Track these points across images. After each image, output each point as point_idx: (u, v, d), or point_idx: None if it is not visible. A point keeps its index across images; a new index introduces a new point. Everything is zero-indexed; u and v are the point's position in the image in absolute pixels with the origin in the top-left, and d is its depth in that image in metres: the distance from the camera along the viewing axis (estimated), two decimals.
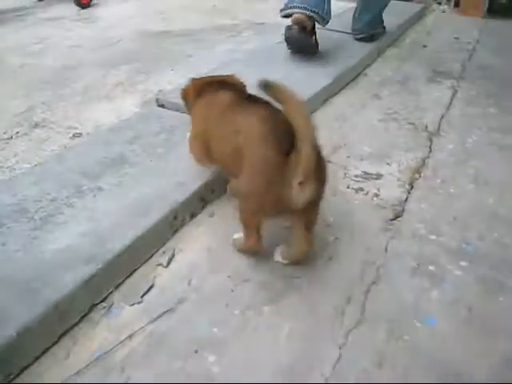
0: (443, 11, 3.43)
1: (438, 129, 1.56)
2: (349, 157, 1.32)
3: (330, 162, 1.29)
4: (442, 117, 1.65)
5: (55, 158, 1.22)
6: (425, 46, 2.46)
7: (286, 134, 0.78)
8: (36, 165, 1.27)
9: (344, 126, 1.51)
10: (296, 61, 1.87)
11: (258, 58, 1.89)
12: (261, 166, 0.82)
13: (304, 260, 0.94)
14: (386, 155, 1.35)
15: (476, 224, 1.10)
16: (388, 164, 1.31)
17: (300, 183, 0.77)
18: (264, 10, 2.90)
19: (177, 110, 1.43)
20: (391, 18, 2.69)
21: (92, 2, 3.10)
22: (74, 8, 2.98)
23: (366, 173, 1.26)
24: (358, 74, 1.94)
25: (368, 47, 2.10)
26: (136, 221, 0.97)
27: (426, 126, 1.56)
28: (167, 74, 1.91)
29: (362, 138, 1.44)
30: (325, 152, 1.25)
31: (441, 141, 1.48)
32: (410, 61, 2.21)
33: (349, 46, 2.08)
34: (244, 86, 1.07)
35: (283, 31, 1.81)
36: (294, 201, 0.79)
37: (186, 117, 1.30)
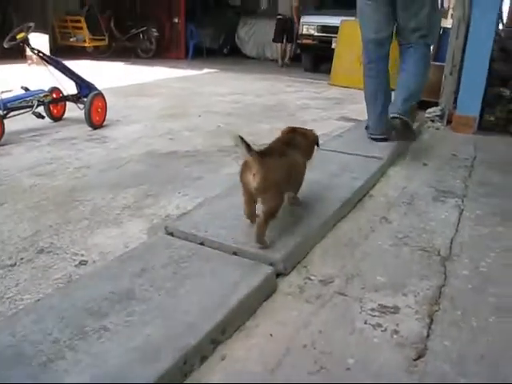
0: (437, 128, 3.60)
1: (450, 253, 1.54)
2: (363, 288, 1.28)
3: (344, 294, 1.25)
4: (453, 239, 1.64)
5: (59, 292, 1.18)
6: (425, 164, 2.53)
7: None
8: (38, 299, 1.22)
9: (355, 252, 1.48)
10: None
11: None
12: None
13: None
14: (402, 284, 1.31)
15: (506, 361, 1.03)
16: (404, 295, 1.27)
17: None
18: (267, 130, 3.03)
19: (185, 239, 1.42)
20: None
21: (104, 123, 3.25)
22: (87, 128, 3.12)
23: (382, 306, 1.21)
24: (364, 196, 1.96)
25: (371, 167, 2.16)
26: (144, 369, 0.90)
27: (439, 251, 1.54)
28: (175, 197, 1.93)
29: (375, 265, 1.41)
30: (338, 283, 1.20)
31: (455, 266, 1.45)
32: (412, 180, 2.25)
33: (352, 166, 2.14)
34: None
35: None
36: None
37: (195, 246, 1.28)
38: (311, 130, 1.73)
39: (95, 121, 3.20)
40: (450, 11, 5.11)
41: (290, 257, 1.35)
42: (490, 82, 3.74)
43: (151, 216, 1.79)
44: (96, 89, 3.32)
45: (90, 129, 3.13)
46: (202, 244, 1.41)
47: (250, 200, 1.43)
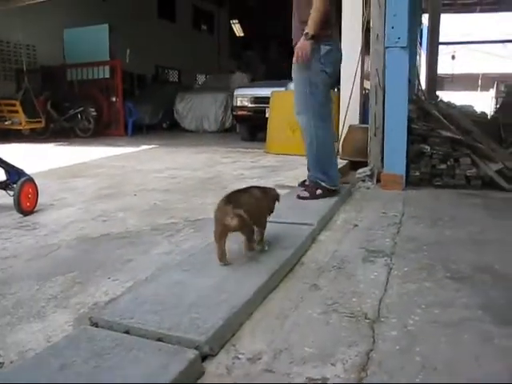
0: (368, 188, 3.77)
1: (379, 315, 1.56)
2: (291, 362, 1.27)
3: (271, 371, 1.23)
4: (381, 300, 1.68)
5: None
6: (356, 226, 2.62)
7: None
8: None
9: (285, 324, 1.48)
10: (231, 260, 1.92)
11: (194, 261, 1.91)
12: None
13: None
14: (330, 354, 1.31)
15: None
16: (333, 364, 1.26)
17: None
18: (203, 205, 3.06)
19: (110, 328, 1.37)
20: (321, 201, 2.91)
21: (35, 208, 3.16)
22: (17, 215, 3.02)
23: (310, 379, 1.20)
24: (295, 264, 1.99)
25: (302, 235, 2.21)
26: None
27: (367, 314, 1.56)
28: (104, 283, 1.88)
29: (304, 336, 1.41)
30: (266, 359, 1.19)
31: (383, 328, 1.47)
32: (343, 243, 2.32)
33: (283, 236, 2.18)
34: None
35: None
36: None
37: (120, 336, 1.24)
38: (273, 188, 2.17)
39: (25, 207, 3.11)
40: None
41: (217, 337, 1.33)
42: (412, 140, 4.01)
43: (78, 305, 1.72)
44: (26, 174, 3.25)
45: (20, 215, 3.03)
46: (127, 332, 1.36)
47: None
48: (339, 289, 1.76)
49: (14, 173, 3.26)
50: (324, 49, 2.95)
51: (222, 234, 1.80)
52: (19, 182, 3.12)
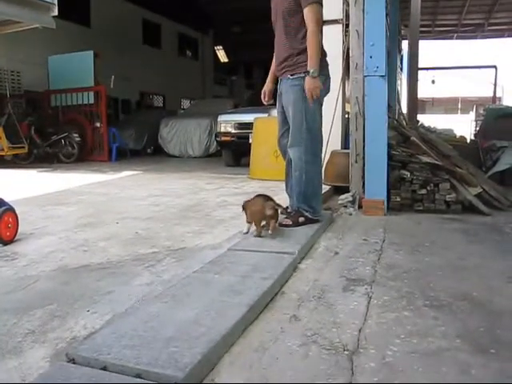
0: (350, 214, 3.80)
1: (358, 346, 1.57)
2: None
3: None
4: (360, 330, 1.69)
5: None
6: (337, 253, 2.64)
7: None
8: None
9: (263, 358, 1.48)
10: (212, 282, 1.92)
11: (174, 292, 1.90)
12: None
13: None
14: None
15: None
16: None
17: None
18: (185, 233, 3.05)
19: (87, 365, 1.35)
20: (303, 228, 2.93)
21: (16, 238, 3.13)
22: None
23: None
24: (276, 294, 1.99)
25: (283, 264, 2.22)
26: None
27: (346, 345, 1.57)
28: (83, 316, 1.85)
29: (283, 371, 1.40)
30: None
31: (361, 360, 1.48)
32: (323, 271, 2.33)
33: (263, 265, 2.19)
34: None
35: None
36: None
37: (97, 373, 1.23)
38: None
39: (5, 237, 3.08)
40: None
41: (195, 372, 1.32)
42: (392, 166, 4.08)
43: (56, 340, 1.69)
44: (6, 204, 3.22)
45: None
46: (104, 369, 1.35)
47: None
48: (319, 319, 1.76)
49: None
50: (320, 80, 2.96)
51: (261, 220, 2.78)
52: None
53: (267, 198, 2.84)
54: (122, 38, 14.25)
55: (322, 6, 2.96)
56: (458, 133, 11.02)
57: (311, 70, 2.86)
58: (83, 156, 9.53)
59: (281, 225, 2.99)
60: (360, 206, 3.95)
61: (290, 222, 3.01)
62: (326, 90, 3.10)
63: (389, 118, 4.17)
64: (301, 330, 1.67)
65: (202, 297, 1.82)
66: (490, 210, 3.91)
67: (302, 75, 2.94)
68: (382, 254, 2.67)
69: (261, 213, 2.75)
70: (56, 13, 3.56)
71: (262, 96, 3.40)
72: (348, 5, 4.48)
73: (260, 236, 2.74)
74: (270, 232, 2.74)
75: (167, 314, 1.68)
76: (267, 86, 3.38)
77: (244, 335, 1.63)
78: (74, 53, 9.88)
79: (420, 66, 11.28)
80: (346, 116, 5.61)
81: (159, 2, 15.88)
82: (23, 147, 8.71)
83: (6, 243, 3.05)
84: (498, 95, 20.19)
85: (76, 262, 2.53)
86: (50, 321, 1.85)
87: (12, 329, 1.80)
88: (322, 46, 3.03)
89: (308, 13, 2.88)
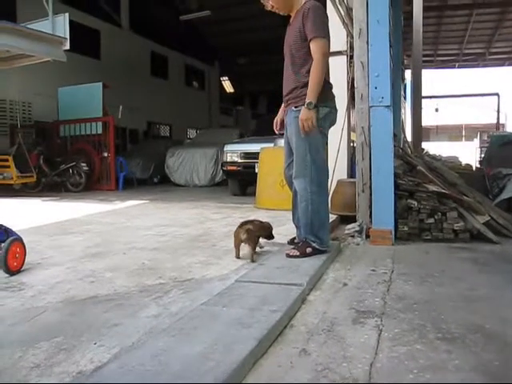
0: (357, 244, 3.78)
1: (369, 380, 1.54)
2: None
3: None
4: (372, 365, 1.65)
5: None
6: (345, 284, 2.61)
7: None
8: None
9: None
10: (220, 315, 1.90)
11: (182, 325, 1.88)
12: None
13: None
14: None
15: None
16: None
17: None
18: (191, 264, 3.04)
19: None
20: (311, 259, 2.91)
21: (23, 267, 3.13)
22: (3, 275, 2.97)
23: None
24: (285, 327, 1.96)
25: (291, 296, 2.19)
26: None
27: (357, 380, 1.53)
28: (90, 349, 1.83)
29: None
30: None
31: None
32: (332, 303, 2.30)
33: (272, 298, 2.16)
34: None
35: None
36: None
37: None
38: (267, 223, 3.36)
39: (12, 267, 3.08)
40: None
41: None
42: (399, 195, 4.07)
43: (62, 375, 1.67)
44: (14, 234, 3.24)
45: (6, 275, 2.99)
46: None
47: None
48: (329, 353, 1.73)
49: (1, 232, 3.24)
50: (322, 111, 3.00)
51: (238, 244, 3.09)
52: (7, 242, 3.10)
53: (246, 222, 3.11)
54: (131, 70, 14.58)
55: (328, 40, 3.02)
56: (463, 160, 11.02)
57: (307, 102, 2.89)
58: (90, 185, 9.61)
59: (288, 256, 2.97)
60: (367, 236, 3.92)
61: (298, 253, 2.99)
62: (329, 123, 3.15)
63: (394, 146, 4.19)
64: (311, 365, 1.64)
65: (210, 330, 1.79)
66: (498, 238, 3.88)
67: None
68: (391, 285, 2.63)
69: (237, 238, 3.05)
70: (68, 47, 3.63)
71: (274, 125, 3.44)
72: (352, 37, 4.56)
73: (253, 261, 2.96)
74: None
75: (175, 348, 1.66)
76: (279, 116, 3.44)
77: (253, 370, 1.60)
78: (83, 84, 10.12)
79: (423, 94, 11.41)
80: (352, 145, 5.64)
81: (167, 35, 16.33)
82: (32, 176, 8.82)
83: (13, 273, 3.05)
84: (501, 122, 20.32)
85: (83, 294, 2.52)
86: (56, 354, 1.83)
87: (17, 362, 1.78)
88: (329, 78, 3.07)
89: (313, 46, 2.94)
